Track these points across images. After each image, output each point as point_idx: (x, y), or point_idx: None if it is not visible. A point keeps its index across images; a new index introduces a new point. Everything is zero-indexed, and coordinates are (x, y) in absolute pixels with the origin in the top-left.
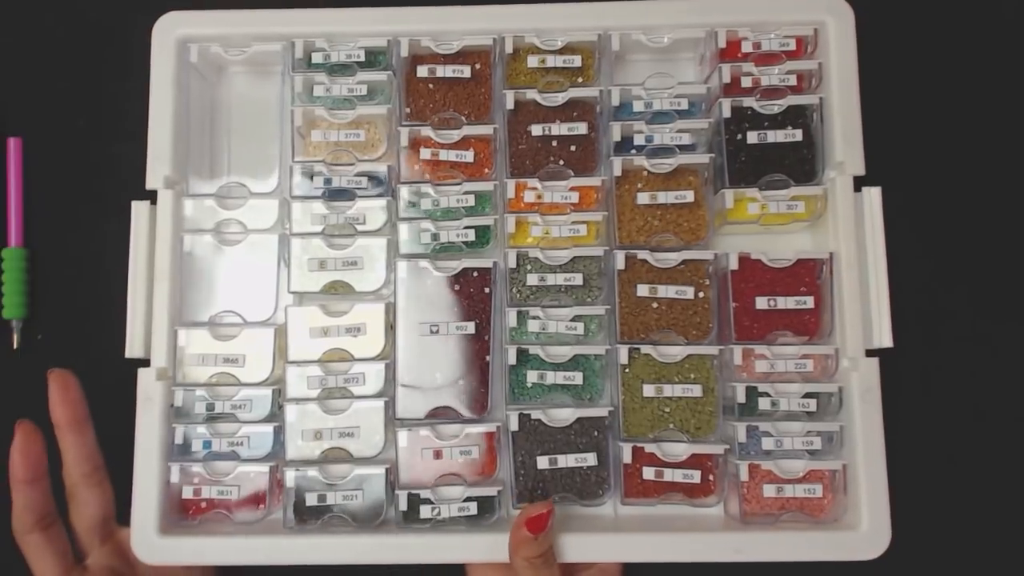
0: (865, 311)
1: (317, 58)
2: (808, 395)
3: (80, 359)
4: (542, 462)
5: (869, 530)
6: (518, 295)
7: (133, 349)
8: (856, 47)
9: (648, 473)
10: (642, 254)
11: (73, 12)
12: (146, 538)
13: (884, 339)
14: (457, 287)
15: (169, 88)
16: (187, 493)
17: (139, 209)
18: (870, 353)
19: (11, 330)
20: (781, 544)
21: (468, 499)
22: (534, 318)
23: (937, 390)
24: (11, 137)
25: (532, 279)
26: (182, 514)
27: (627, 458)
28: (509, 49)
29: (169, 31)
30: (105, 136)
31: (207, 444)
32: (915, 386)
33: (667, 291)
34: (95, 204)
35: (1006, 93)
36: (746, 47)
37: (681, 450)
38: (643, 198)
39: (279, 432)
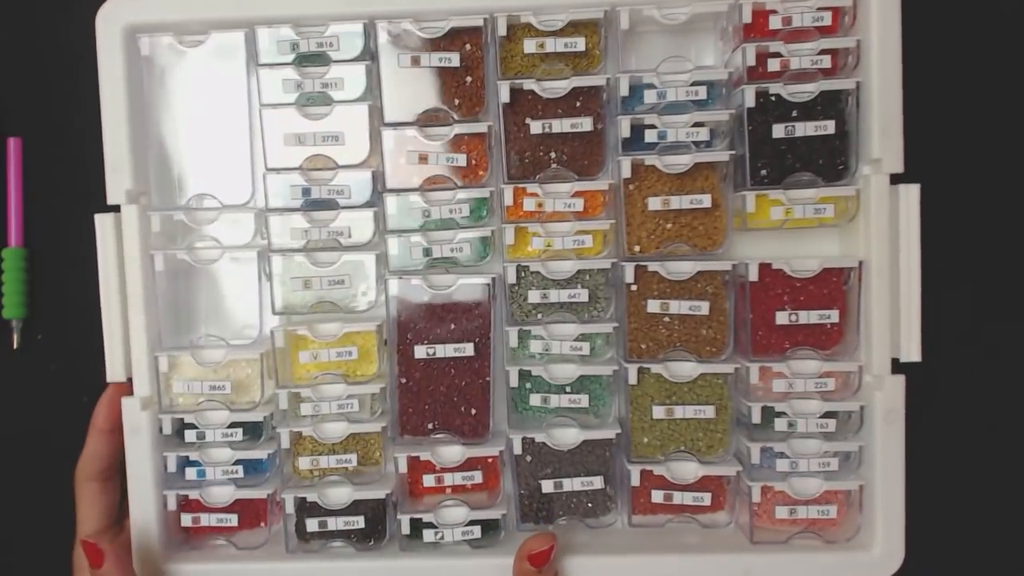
0: (894, 323)
1: (284, 48)
2: (827, 415)
3: (80, 359)
4: (547, 486)
5: (882, 552)
6: (519, 312)
7: (114, 373)
8: (900, 22)
9: (657, 496)
10: (653, 265)
11: (73, 12)
12: (149, 564)
13: (912, 353)
14: (453, 305)
15: (121, 87)
16: (186, 521)
17: (104, 222)
18: (895, 370)
19: (11, 330)
20: (792, 566)
21: (472, 523)
22: (536, 338)
23: (945, 402)
24: (11, 137)
25: (534, 296)
26: (184, 539)
27: (635, 481)
28: (503, 31)
29: (114, 20)
30: None
31: (201, 473)
32: (922, 397)
33: (680, 307)
34: (95, 204)
35: None
36: (774, 22)
37: (691, 472)
38: (655, 203)
39: (274, 457)
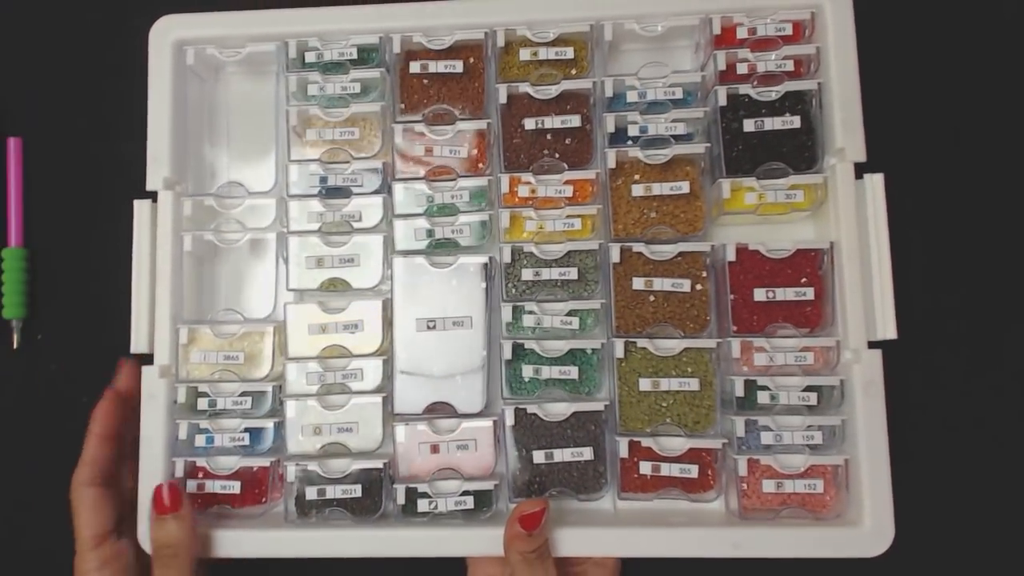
0: (868, 302)
1: (310, 57)
2: (809, 388)
3: (80, 359)
4: (538, 456)
5: (871, 527)
6: (513, 290)
7: (138, 345)
8: (855, 30)
9: (645, 468)
10: (637, 247)
11: (73, 12)
12: None
13: (888, 331)
14: (453, 283)
15: (167, 91)
16: (191, 487)
17: (141, 207)
18: (872, 345)
19: (11, 330)
20: (780, 540)
21: (465, 493)
22: (529, 313)
23: (939, 384)
24: (11, 137)
25: (527, 274)
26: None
27: (623, 452)
28: (501, 43)
29: (166, 34)
30: (105, 136)
31: (210, 440)
32: (916, 380)
33: (663, 284)
34: (95, 204)
35: (1010, 78)
36: (741, 33)
37: (678, 444)
38: (638, 190)
39: (279, 427)
